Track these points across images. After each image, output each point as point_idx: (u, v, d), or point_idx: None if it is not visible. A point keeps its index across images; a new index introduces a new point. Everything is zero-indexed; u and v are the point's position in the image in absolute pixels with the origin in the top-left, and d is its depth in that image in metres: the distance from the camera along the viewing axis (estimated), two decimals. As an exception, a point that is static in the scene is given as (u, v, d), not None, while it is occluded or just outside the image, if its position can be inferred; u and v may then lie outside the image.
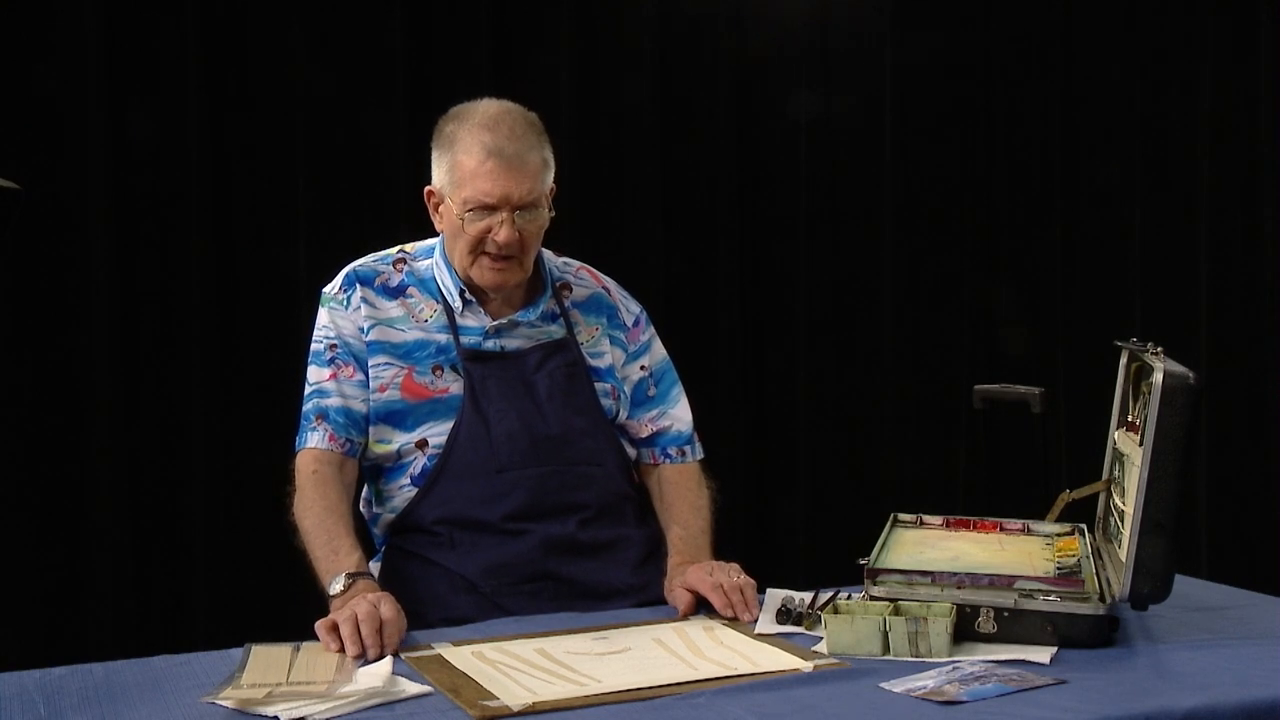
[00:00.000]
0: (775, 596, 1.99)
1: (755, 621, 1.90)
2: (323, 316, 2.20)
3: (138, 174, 3.23)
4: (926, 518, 2.18)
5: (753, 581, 2.00)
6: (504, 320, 2.19)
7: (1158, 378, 1.76)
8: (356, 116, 3.42)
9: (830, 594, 1.93)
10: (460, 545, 2.12)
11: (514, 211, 2.09)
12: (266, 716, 1.51)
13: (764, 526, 3.96)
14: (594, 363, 2.25)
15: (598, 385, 2.23)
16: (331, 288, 2.22)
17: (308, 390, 2.19)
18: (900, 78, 4.04)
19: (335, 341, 2.17)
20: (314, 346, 2.20)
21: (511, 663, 1.71)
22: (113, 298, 3.19)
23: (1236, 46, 4.29)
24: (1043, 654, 1.69)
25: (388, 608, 1.82)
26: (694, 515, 2.24)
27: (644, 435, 2.30)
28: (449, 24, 3.51)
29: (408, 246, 2.28)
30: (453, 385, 2.15)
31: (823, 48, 3.99)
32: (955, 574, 1.81)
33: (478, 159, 2.08)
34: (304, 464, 2.14)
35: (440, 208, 2.17)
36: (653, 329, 2.37)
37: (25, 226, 2.89)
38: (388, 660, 1.71)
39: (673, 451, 2.31)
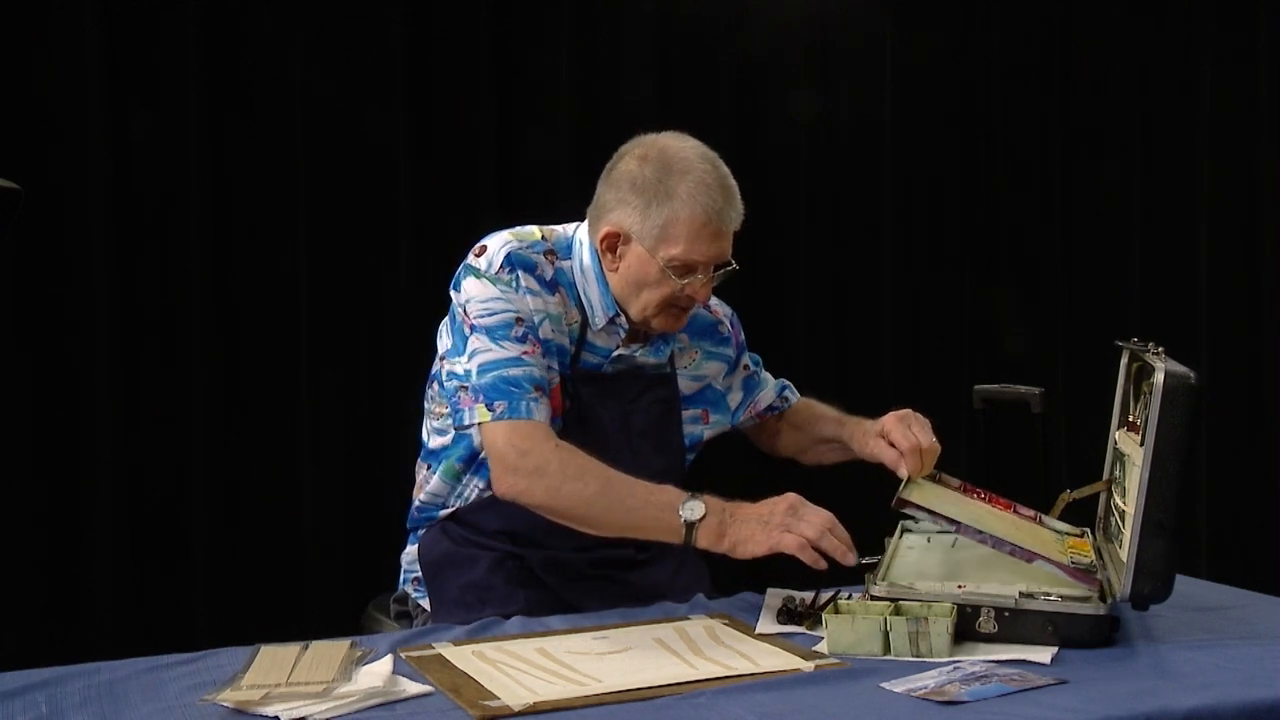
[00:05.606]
0: (775, 596, 1.99)
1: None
2: (486, 288, 2.05)
3: (138, 174, 3.22)
4: (944, 475, 2.17)
5: (938, 447, 2.10)
6: (630, 350, 2.17)
7: (1158, 378, 1.76)
8: (356, 116, 3.41)
9: (830, 594, 1.93)
10: (519, 542, 2.14)
11: (714, 270, 2.10)
12: (267, 716, 1.51)
13: (764, 526, 3.94)
14: (688, 390, 2.27)
15: (686, 413, 2.26)
16: (489, 264, 2.07)
17: (496, 358, 2.01)
18: (900, 78, 4.04)
19: (520, 315, 2.05)
20: (488, 321, 2.04)
21: (512, 662, 1.71)
22: (113, 297, 3.18)
23: (1236, 47, 4.29)
24: (1043, 654, 1.69)
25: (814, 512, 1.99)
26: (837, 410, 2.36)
27: (762, 408, 2.41)
28: (449, 24, 3.51)
29: (547, 234, 2.16)
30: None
31: (823, 48, 3.98)
32: (981, 532, 1.84)
33: (700, 221, 2.05)
34: (541, 435, 1.99)
35: (624, 250, 2.09)
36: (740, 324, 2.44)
37: (25, 226, 2.89)
38: (388, 659, 1.71)
39: (789, 394, 2.44)
